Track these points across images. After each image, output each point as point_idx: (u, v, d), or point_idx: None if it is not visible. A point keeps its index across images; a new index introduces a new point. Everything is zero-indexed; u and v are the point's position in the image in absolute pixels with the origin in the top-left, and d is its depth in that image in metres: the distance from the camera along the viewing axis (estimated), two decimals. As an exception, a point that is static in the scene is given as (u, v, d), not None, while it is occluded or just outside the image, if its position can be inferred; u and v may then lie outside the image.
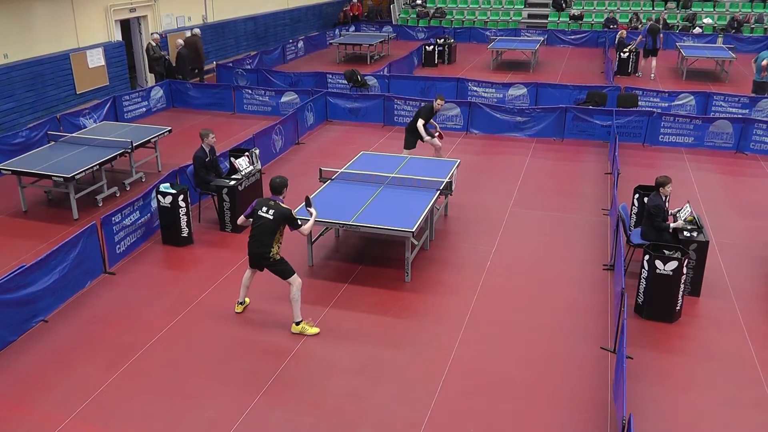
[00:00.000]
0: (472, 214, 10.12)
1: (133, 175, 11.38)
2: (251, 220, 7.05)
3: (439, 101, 11.13)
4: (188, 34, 19.20)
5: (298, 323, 7.08)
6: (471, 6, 29.05)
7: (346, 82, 16.87)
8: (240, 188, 9.38)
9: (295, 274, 7.01)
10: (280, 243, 6.98)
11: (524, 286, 8.10)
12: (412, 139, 11.29)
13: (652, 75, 19.32)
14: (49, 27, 14.66)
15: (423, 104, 12.38)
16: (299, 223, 7.00)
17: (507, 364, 6.65)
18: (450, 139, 13.78)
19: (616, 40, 20.33)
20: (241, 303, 7.48)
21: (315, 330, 7.12)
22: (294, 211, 6.99)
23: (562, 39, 25.32)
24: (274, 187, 7.05)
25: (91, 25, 15.87)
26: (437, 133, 11.50)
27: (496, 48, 21.40)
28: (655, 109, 13.88)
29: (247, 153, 10.01)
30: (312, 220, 7.24)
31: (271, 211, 6.87)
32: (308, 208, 7.35)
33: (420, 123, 11.06)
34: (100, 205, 10.37)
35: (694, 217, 7.83)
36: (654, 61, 19.32)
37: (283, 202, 7.00)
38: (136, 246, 9.00)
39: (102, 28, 16.27)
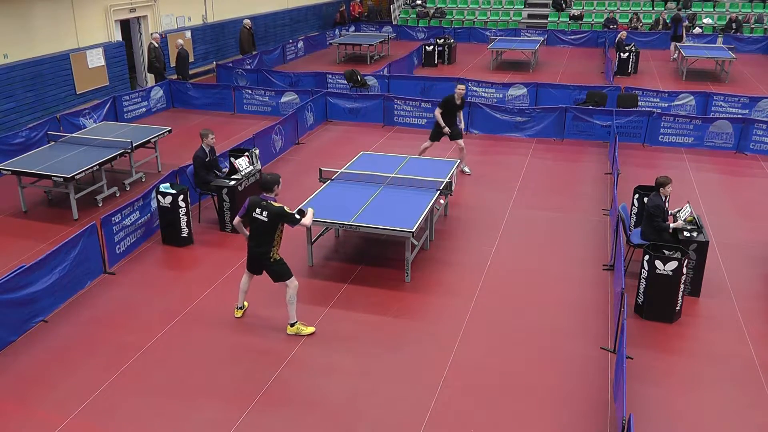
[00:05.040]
0: (472, 214, 10.12)
1: (133, 175, 11.37)
2: (243, 221, 6.95)
3: (458, 89, 11.15)
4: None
5: (293, 324, 7.04)
6: (471, 6, 29.04)
7: (346, 82, 16.87)
8: (240, 188, 9.39)
9: (293, 277, 6.94)
10: (280, 242, 6.90)
11: (524, 286, 8.10)
12: (436, 130, 11.41)
13: (674, 55, 21.51)
14: (49, 27, 14.65)
15: None
16: (297, 218, 6.76)
17: (507, 364, 6.65)
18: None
19: (616, 40, 20.35)
20: (240, 308, 7.39)
21: (311, 329, 7.09)
22: (286, 209, 6.74)
23: (562, 39, 25.31)
24: (264, 184, 6.78)
25: (91, 25, 15.86)
26: (461, 126, 11.49)
27: (496, 48, 21.38)
28: (654, 109, 13.87)
29: (247, 153, 10.01)
30: (310, 212, 6.98)
31: (264, 212, 6.68)
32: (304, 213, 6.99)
33: (437, 111, 11.27)
34: (100, 205, 10.37)
35: (694, 217, 7.83)
36: (676, 46, 21.51)
37: (275, 200, 6.80)
38: (136, 246, 9.01)
39: (102, 28, 16.26)
